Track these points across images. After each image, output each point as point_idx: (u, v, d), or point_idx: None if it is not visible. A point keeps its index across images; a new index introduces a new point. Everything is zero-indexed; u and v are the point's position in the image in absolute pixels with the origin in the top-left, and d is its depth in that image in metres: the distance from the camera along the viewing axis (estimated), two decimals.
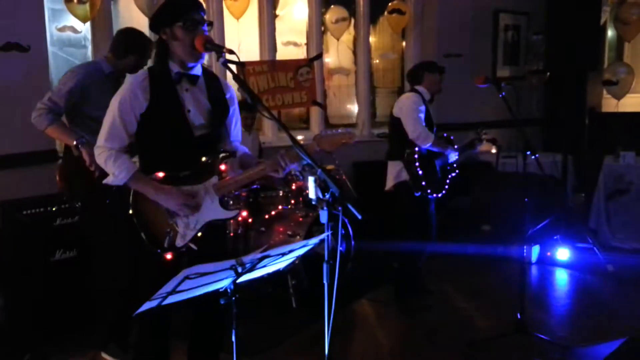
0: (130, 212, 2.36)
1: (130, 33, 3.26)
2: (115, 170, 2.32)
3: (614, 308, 4.06)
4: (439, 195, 4.03)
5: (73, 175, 3.10)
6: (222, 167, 2.43)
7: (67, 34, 4.39)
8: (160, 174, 2.37)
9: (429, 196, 3.97)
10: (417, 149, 3.93)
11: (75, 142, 2.96)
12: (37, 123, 3.02)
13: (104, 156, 2.35)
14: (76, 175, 3.08)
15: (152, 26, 2.42)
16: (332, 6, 5.79)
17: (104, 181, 2.38)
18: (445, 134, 4.13)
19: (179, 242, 2.37)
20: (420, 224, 4.05)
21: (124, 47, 3.17)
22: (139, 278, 2.49)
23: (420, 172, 3.92)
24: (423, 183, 3.92)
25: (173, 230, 2.37)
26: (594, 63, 6.15)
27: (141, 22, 4.60)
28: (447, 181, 4.10)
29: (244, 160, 2.58)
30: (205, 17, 2.36)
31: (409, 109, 3.96)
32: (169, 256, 2.36)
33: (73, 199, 3.25)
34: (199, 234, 2.40)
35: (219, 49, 2.23)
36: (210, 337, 2.59)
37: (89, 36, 4.45)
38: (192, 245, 2.39)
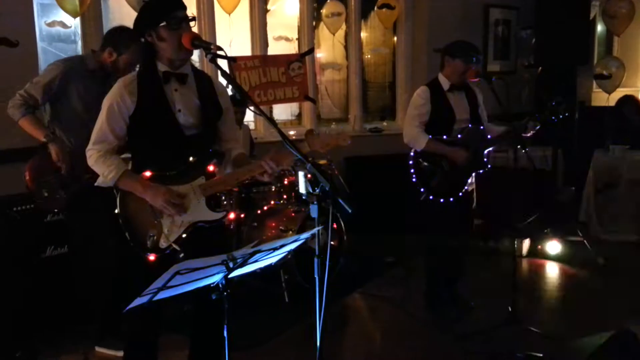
0: (117, 211, 2.37)
1: (111, 29, 3.26)
2: (105, 170, 2.34)
3: (604, 300, 4.10)
4: (451, 199, 3.64)
5: (48, 173, 3.08)
6: (210, 167, 2.41)
7: (57, 29, 4.35)
8: (147, 174, 2.36)
9: (439, 200, 3.63)
10: (412, 153, 3.71)
11: (44, 138, 2.99)
12: (11, 114, 3.03)
13: (94, 158, 2.37)
14: (51, 173, 3.07)
15: (136, 29, 2.40)
16: (328, 1, 5.78)
17: (96, 183, 2.39)
18: (482, 127, 3.74)
19: (163, 243, 2.35)
20: (434, 228, 3.74)
21: (103, 41, 3.19)
22: (126, 277, 2.49)
23: (414, 178, 3.67)
24: (421, 190, 3.64)
25: (157, 231, 2.35)
26: (584, 57, 6.20)
27: (132, 17, 4.54)
28: (467, 180, 3.68)
29: (239, 161, 2.54)
30: (187, 13, 2.34)
31: (409, 107, 3.75)
32: (151, 257, 2.34)
33: (47, 199, 3.11)
34: (184, 235, 2.37)
35: (207, 46, 2.22)
36: (212, 333, 2.54)
37: (79, 31, 4.41)
38: (176, 247, 2.34)
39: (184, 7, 2.34)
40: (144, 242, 2.35)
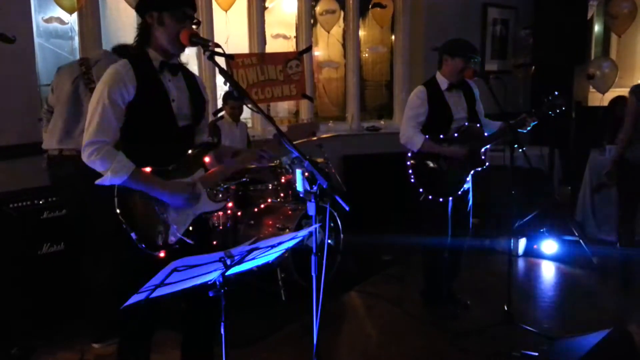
0: (118, 210, 2.22)
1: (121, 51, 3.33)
2: (117, 165, 2.18)
3: (599, 300, 4.12)
4: (450, 198, 3.65)
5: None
6: (207, 159, 2.41)
7: (54, 25, 4.34)
8: (148, 169, 2.27)
9: (438, 199, 3.64)
10: (409, 154, 3.68)
11: None
12: None
13: (100, 152, 2.17)
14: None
15: (140, 6, 2.32)
16: None
17: (97, 182, 2.22)
18: (479, 125, 3.72)
19: (172, 239, 2.29)
20: (432, 227, 3.73)
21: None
22: (130, 277, 2.32)
23: (412, 179, 3.65)
24: (420, 190, 3.63)
25: (164, 226, 2.29)
26: (581, 57, 6.21)
27: (128, 13, 4.56)
28: (466, 179, 3.68)
29: (221, 153, 2.53)
30: (195, 15, 2.34)
31: (406, 108, 3.73)
32: (162, 254, 2.25)
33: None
34: (190, 228, 2.34)
35: (206, 43, 2.21)
36: (204, 329, 2.56)
37: (76, 28, 4.40)
38: (187, 240, 2.31)
39: (194, 9, 2.34)
40: (154, 240, 2.26)
